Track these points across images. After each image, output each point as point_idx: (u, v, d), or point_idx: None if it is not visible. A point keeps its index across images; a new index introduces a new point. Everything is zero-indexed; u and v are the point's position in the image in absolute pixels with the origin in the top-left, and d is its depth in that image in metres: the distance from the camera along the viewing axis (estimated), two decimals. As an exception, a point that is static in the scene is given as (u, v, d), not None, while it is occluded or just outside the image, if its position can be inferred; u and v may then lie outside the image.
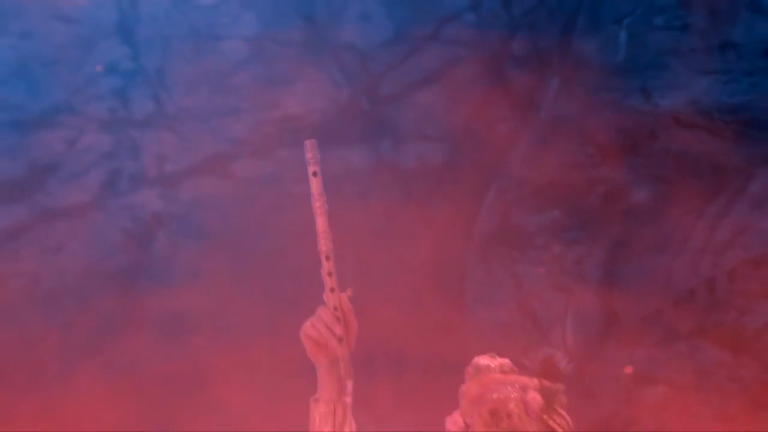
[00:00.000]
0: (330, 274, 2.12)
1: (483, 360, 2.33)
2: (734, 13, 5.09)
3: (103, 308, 4.91)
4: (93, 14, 5.17)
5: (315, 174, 2.12)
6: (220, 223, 5.01)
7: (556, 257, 4.98)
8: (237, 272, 4.90)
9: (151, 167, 5.10)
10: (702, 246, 4.87)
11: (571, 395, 4.78)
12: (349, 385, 2.20)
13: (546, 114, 5.20)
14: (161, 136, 5.14)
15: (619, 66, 5.14)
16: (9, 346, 4.83)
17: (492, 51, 5.18)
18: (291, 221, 4.46)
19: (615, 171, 5.05)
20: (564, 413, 2.30)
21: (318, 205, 2.17)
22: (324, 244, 2.14)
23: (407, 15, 5.20)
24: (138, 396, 4.77)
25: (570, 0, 5.24)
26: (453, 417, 2.32)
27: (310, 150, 2.17)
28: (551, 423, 2.28)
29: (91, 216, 5.04)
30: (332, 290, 2.12)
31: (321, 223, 2.14)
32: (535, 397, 2.28)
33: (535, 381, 2.31)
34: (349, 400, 2.20)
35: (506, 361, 2.34)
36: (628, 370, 4.87)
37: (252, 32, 5.18)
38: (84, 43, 5.15)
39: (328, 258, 2.13)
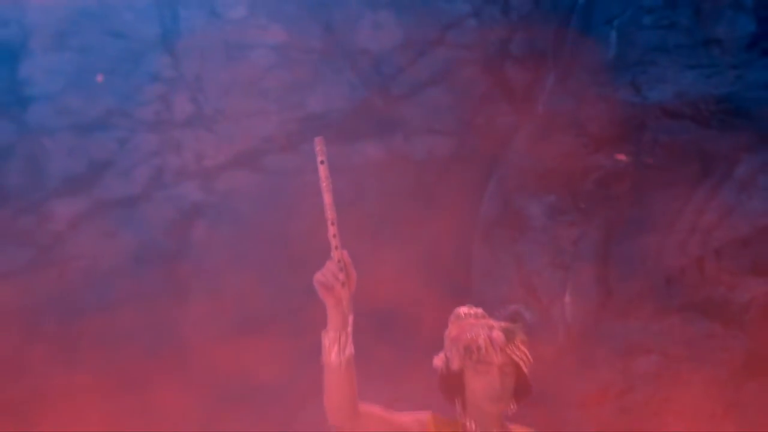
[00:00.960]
0: (334, 236, 2.48)
1: (462, 309, 2.69)
2: (718, 11, 5.17)
3: (150, 286, 5.08)
4: (139, 30, 5.35)
5: (322, 162, 2.50)
6: (251, 211, 5.16)
7: (554, 238, 5.09)
8: (267, 253, 5.07)
9: (191, 162, 5.27)
10: (691, 227, 4.96)
11: (569, 365, 4.92)
12: (350, 319, 2.49)
13: (543, 108, 5.33)
14: (200, 135, 5.32)
15: (610, 63, 5.26)
16: (73, 318, 5.03)
17: (492, 52, 5.30)
18: (314, 207, 4.65)
19: (608, 159, 5.18)
20: (523, 348, 2.62)
21: (324, 185, 2.51)
22: (329, 213, 2.48)
23: (415, 22, 5.33)
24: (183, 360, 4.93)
25: (563, 3, 5.35)
26: (439, 355, 2.67)
27: (318, 145, 2.52)
28: (511, 354, 2.60)
29: (139, 206, 5.22)
30: (336, 248, 2.47)
31: (327, 198, 2.49)
32: (498, 335, 2.61)
33: (499, 323, 2.65)
34: (349, 329, 2.50)
35: (479, 310, 2.70)
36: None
37: (277, 41, 5.34)
38: (132, 55, 5.32)
39: (333, 224, 2.48)
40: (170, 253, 5.22)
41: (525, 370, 2.64)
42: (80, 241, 5.22)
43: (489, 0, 5.44)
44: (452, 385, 2.64)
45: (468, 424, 2.62)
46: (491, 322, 2.67)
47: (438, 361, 2.68)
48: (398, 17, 5.40)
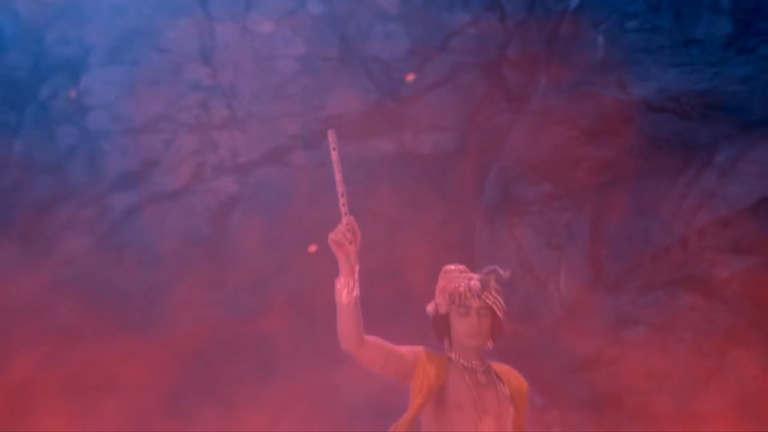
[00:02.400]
0: (344, 205, 2.59)
1: (449, 266, 2.74)
2: (696, 14, 4.91)
3: (194, 266, 4.95)
4: (181, 45, 5.19)
5: (334, 149, 2.60)
6: (280, 201, 5.02)
7: (549, 221, 4.89)
8: (292, 237, 4.89)
9: (227, 159, 5.13)
10: (675, 210, 4.71)
11: (565, 334, 4.75)
12: (356, 268, 2.57)
13: (537, 105, 5.11)
14: (234, 135, 5.16)
15: (598, 63, 5.03)
16: (127, 295, 4.91)
17: (490, 56, 5.11)
18: (334, 197, 4.47)
19: (597, 150, 4.94)
20: (496, 295, 2.69)
21: (336, 166, 2.60)
22: (339, 188, 2.58)
23: (420, 32, 5.15)
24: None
25: (555, 10, 5.12)
26: (430, 303, 2.73)
27: (331, 136, 2.61)
28: (486, 299, 2.67)
29: (183, 197, 5.09)
30: (345, 214, 2.58)
31: (338, 176, 2.59)
32: (475, 283, 2.68)
33: (478, 275, 2.72)
34: (356, 276, 2.57)
35: (462, 266, 2.75)
36: None
37: (300, 52, 5.19)
38: (175, 67, 5.18)
39: (342, 195, 2.59)
40: (210, 238, 5.11)
41: (499, 313, 2.70)
42: (134, 228, 5.11)
43: (487, 9, 5.24)
44: (441, 325, 2.73)
45: (453, 356, 2.70)
46: (471, 274, 2.74)
47: (430, 307, 2.75)
48: (406, 28, 5.23)
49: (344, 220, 2.58)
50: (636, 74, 4.99)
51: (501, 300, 2.69)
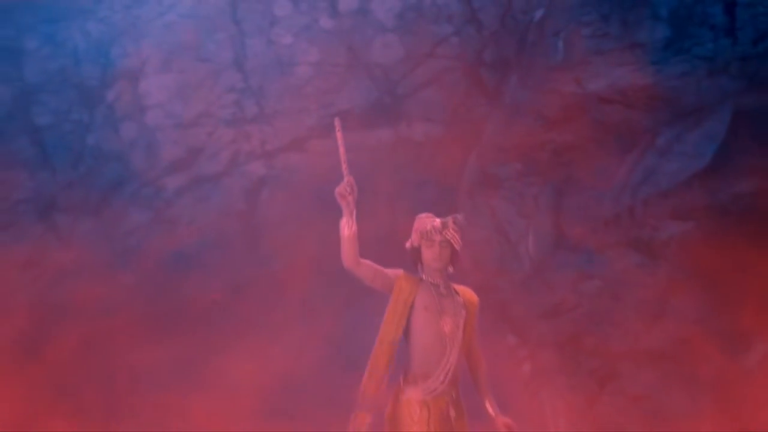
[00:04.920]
0: (345, 169, 2.77)
1: (423, 215, 2.93)
2: (640, 22, 4.67)
3: (231, 236, 4.78)
4: (219, 55, 4.98)
5: (339, 131, 2.75)
6: (301, 181, 4.81)
7: (520, 194, 4.69)
8: (311, 210, 4.66)
9: (257, 148, 4.90)
10: (623, 183, 4.51)
11: (533, 287, 4.62)
12: (354, 212, 2.78)
13: (509, 100, 4.87)
14: (263, 128, 4.93)
15: (558, 64, 4.78)
16: (179, 258, 4.74)
17: (470, 60, 4.88)
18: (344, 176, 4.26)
19: (558, 135, 4.72)
20: (454, 233, 2.86)
21: (339, 143, 2.79)
22: (342, 156, 2.77)
23: (412, 41, 4.91)
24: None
25: (522, 22, 4.88)
26: (408, 240, 2.92)
27: (337, 122, 2.79)
28: (446, 235, 2.86)
29: (223, 179, 4.88)
30: (347, 174, 2.80)
31: (341, 149, 2.78)
32: (438, 223, 2.88)
33: (440, 218, 2.89)
34: (353, 217, 2.78)
35: (431, 213, 2.92)
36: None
37: (315, 59, 4.95)
38: (214, 74, 4.96)
39: (344, 163, 2.77)
40: (244, 212, 4.90)
41: (456, 246, 2.87)
42: (183, 205, 4.91)
43: (467, 22, 4.98)
44: (414, 255, 2.92)
45: (424, 277, 2.89)
46: (436, 218, 2.91)
47: (408, 243, 2.94)
48: (400, 38, 4.98)
49: (346, 179, 2.80)
50: (590, 73, 4.78)
51: (458, 236, 2.86)
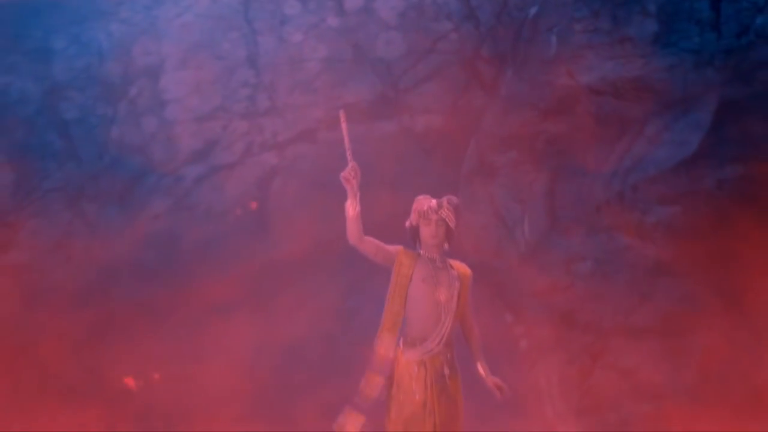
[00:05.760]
0: (349, 155, 2.82)
1: (421, 196, 2.99)
2: (629, 17, 4.54)
3: (246, 221, 4.67)
4: (233, 53, 4.87)
5: (343, 121, 2.80)
6: (310, 170, 4.71)
7: (516, 181, 4.59)
8: (321, 197, 4.55)
9: (269, 139, 4.80)
10: (614, 170, 4.41)
11: (528, 268, 4.55)
12: (358, 195, 2.85)
13: (505, 92, 4.74)
14: (274, 120, 4.83)
15: (552, 58, 4.65)
16: (197, 243, 4.64)
17: (469, 55, 4.75)
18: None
19: (552, 125, 4.60)
20: (449, 213, 2.92)
21: (344, 132, 2.84)
22: (346, 141, 2.82)
23: (414, 38, 4.79)
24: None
25: (518, 18, 4.75)
26: (408, 220, 2.99)
27: (342, 114, 2.86)
28: (441, 214, 2.92)
29: (237, 169, 4.77)
30: (350, 160, 2.85)
31: (346, 138, 2.83)
32: (433, 203, 2.95)
33: (436, 200, 2.96)
34: (358, 198, 2.84)
35: (428, 195, 2.98)
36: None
37: (323, 56, 4.84)
38: (229, 70, 4.86)
39: (348, 150, 2.80)
40: (259, 199, 4.80)
41: (450, 224, 2.93)
42: (201, 192, 4.82)
43: (465, 18, 4.85)
44: (413, 233, 2.99)
45: (422, 252, 2.95)
46: (432, 199, 2.97)
47: (407, 222, 3.01)
48: (403, 35, 4.87)
49: (350, 164, 2.87)
50: (582, 66, 4.66)
51: (452, 215, 2.92)
